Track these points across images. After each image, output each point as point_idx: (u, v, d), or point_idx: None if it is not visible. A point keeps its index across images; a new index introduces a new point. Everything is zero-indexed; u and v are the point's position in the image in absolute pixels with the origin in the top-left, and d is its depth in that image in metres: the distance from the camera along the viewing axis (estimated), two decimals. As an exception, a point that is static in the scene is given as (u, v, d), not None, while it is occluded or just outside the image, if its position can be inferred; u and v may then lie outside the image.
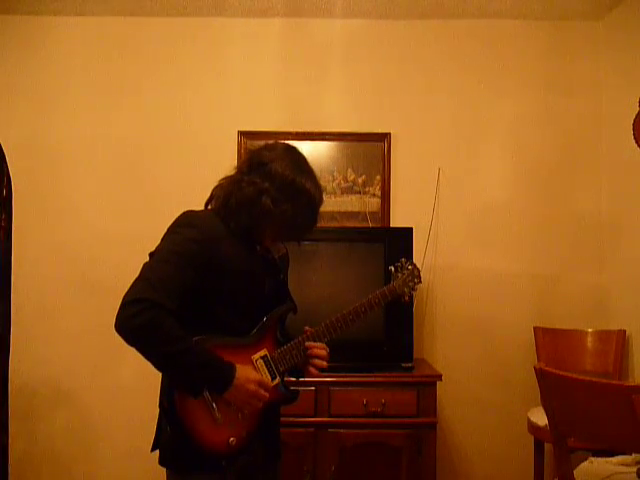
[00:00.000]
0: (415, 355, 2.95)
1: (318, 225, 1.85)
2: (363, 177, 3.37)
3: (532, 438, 3.04)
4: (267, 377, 1.71)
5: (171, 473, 1.69)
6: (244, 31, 3.40)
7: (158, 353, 1.55)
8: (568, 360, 3.14)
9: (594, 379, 1.70)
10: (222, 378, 1.60)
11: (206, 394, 1.61)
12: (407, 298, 1.99)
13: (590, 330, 3.21)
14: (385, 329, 2.87)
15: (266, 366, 1.72)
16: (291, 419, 2.49)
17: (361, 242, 3.01)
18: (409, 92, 3.41)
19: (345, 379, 2.74)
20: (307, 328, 1.85)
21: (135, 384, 3.11)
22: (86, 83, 3.40)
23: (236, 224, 1.69)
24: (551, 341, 3.19)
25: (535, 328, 3.23)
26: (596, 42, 3.40)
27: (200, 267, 1.61)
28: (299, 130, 3.32)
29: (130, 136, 3.39)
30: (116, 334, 1.53)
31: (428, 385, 2.74)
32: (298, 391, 1.81)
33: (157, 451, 1.71)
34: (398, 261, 2.01)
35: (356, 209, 3.37)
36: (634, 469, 1.98)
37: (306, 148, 3.20)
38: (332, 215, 3.34)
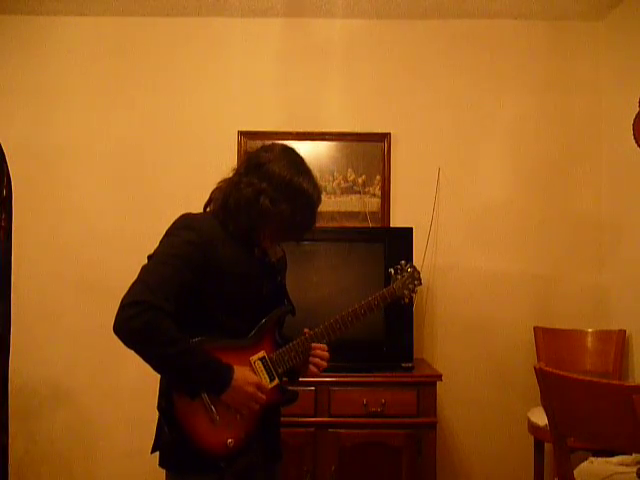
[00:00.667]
0: (415, 355, 2.95)
1: (317, 225, 1.86)
2: (363, 177, 3.38)
3: (532, 438, 3.04)
4: (265, 379, 1.71)
5: (170, 474, 1.69)
6: (244, 31, 3.40)
7: (156, 355, 1.55)
8: (568, 360, 3.14)
9: (594, 379, 1.71)
10: (220, 380, 1.60)
11: (204, 396, 1.61)
12: (407, 300, 1.99)
13: (590, 330, 3.21)
14: (385, 329, 2.87)
15: (264, 368, 1.72)
16: (291, 419, 2.49)
17: (361, 242, 3.01)
18: (409, 92, 3.41)
19: (345, 379, 2.74)
20: (306, 330, 1.85)
21: (135, 384, 3.11)
22: (86, 83, 3.40)
23: (235, 226, 1.70)
24: (551, 341, 3.19)
25: (535, 328, 3.23)
26: (596, 42, 3.40)
27: (198, 270, 1.61)
28: (299, 130, 3.32)
29: (130, 136, 3.39)
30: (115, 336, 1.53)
31: (428, 385, 2.74)
32: (297, 392, 1.81)
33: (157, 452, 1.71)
34: (398, 263, 2.01)
35: (356, 209, 3.37)
36: (634, 469, 1.98)
37: (306, 148, 3.26)
38: (332, 215, 3.34)
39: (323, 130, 3.36)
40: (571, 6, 3.25)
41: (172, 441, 1.63)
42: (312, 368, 1.82)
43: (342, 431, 2.71)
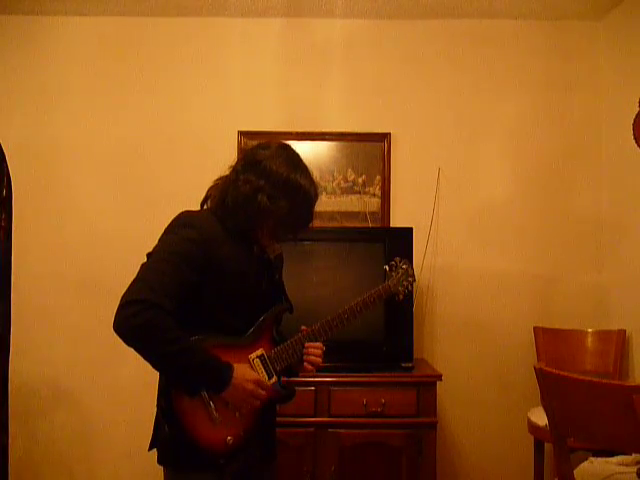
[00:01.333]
0: (415, 355, 2.94)
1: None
2: (363, 177, 3.37)
3: (532, 438, 3.04)
4: (264, 376, 1.72)
5: (169, 472, 1.69)
6: (244, 31, 3.40)
7: (156, 353, 1.55)
8: (568, 360, 3.14)
9: (594, 379, 1.70)
10: (220, 378, 1.61)
11: (204, 393, 1.61)
12: (401, 297, 2.01)
13: (590, 330, 3.21)
14: (385, 329, 2.86)
15: (263, 365, 1.73)
16: (291, 419, 2.50)
17: (361, 242, 3.01)
18: (409, 92, 3.41)
19: (345, 379, 2.74)
20: (303, 328, 1.86)
21: (135, 384, 3.11)
22: (86, 83, 3.40)
23: (233, 223, 1.70)
24: (551, 341, 3.19)
25: (535, 328, 3.23)
26: (596, 42, 3.40)
27: (197, 267, 1.62)
28: (299, 130, 3.32)
29: (130, 136, 3.39)
30: (115, 334, 1.53)
31: (428, 385, 2.74)
32: (294, 390, 1.82)
33: (155, 450, 1.70)
34: (392, 260, 2.03)
35: (356, 209, 3.37)
36: (634, 469, 1.98)
37: (306, 148, 3.26)
38: (332, 215, 3.34)
39: (323, 130, 3.36)
40: (571, 6, 3.25)
41: (171, 438, 1.63)
42: (307, 365, 1.82)
43: (342, 431, 2.70)
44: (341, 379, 2.73)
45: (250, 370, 1.69)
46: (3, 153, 3.10)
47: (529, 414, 3.02)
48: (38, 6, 3.28)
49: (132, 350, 1.54)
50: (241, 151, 1.82)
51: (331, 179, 3.36)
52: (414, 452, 2.68)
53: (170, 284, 1.57)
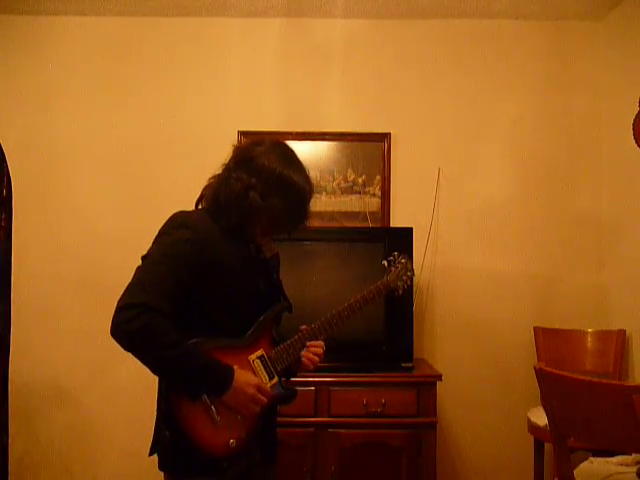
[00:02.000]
0: (415, 355, 2.94)
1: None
2: (363, 177, 3.37)
3: (532, 438, 3.04)
4: (265, 377, 1.71)
5: (171, 477, 1.67)
6: (244, 31, 3.41)
7: (155, 358, 1.54)
8: (568, 360, 3.14)
9: (594, 379, 1.70)
10: (220, 381, 1.59)
11: (204, 397, 1.59)
12: (401, 292, 2.00)
13: (590, 330, 3.21)
14: (385, 329, 2.87)
15: (263, 366, 1.72)
16: (291, 419, 2.49)
17: (361, 242, 3.01)
18: (409, 92, 3.41)
19: (345, 379, 2.74)
20: (303, 326, 1.85)
21: (135, 384, 3.10)
22: (86, 83, 3.40)
23: (227, 221, 1.68)
24: (551, 341, 3.19)
25: (535, 328, 3.23)
26: (596, 42, 3.40)
27: (194, 268, 1.60)
28: (299, 130, 3.31)
29: (130, 136, 3.39)
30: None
31: (428, 385, 2.73)
32: (296, 390, 1.80)
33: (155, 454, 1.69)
34: (391, 255, 2.03)
35: (356, 209, 3.37)
36: (634, 469, 1.98)
37: (306, 148, 3.26)
38: (332, 215, 3.34)
39: (323, 130, 3.36)
40: (571, 6, 3.25)
41: (173, 443, 1.61)
42: (305, 361, 1.80)
43: (342, 431, 2.70)
44: (341, 379, 2.73)
45: (251, 375, 1.67)
46: (3, 153, 3.11)
47: (529, 414, 3.02)
48: (38, 6, 3.28)
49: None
50: (234, 148, 1.79)
51: (331, 179, 3.36)
52: (414, 452, 2.68)
53: (166, 286, 1.55)
